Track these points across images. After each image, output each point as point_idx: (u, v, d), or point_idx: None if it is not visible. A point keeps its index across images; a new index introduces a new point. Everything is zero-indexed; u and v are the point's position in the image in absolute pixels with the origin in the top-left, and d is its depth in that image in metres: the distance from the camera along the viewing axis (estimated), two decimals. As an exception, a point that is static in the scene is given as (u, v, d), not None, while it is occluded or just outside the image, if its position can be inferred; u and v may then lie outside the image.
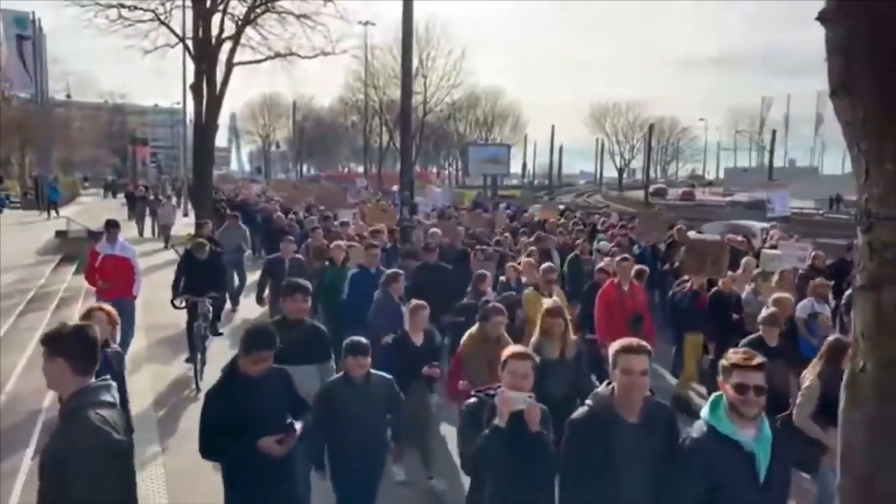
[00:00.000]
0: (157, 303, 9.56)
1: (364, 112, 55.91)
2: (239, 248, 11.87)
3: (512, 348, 3.52)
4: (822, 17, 2.71)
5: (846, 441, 2.67)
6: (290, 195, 22.93)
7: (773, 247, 11.09)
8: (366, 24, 40.52)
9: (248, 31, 19.80)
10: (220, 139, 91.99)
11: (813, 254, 9.61)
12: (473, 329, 5.23)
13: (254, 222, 15.77)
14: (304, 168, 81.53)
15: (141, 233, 21.77)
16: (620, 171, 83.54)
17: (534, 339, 4.98)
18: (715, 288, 7.72)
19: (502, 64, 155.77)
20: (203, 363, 7.73)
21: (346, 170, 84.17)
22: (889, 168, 2.50)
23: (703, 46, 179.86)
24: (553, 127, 65.25)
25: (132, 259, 8.36)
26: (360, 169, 66.43)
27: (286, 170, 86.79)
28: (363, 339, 4.28)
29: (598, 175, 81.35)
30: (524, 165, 73.48)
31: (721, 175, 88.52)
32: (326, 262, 8.38)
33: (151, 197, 24.70)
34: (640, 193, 54.95)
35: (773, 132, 51.89)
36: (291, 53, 20.59)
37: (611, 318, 6.94)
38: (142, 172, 52.10)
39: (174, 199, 28.22)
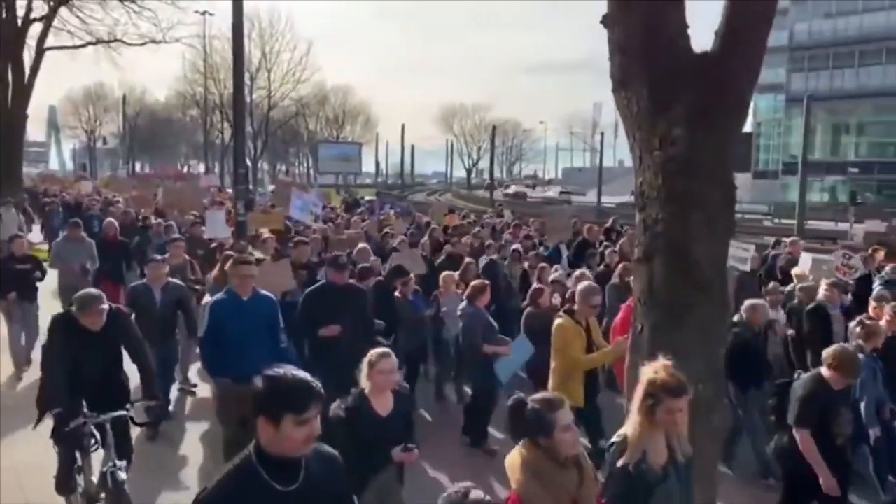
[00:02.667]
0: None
1: (203, 106, 52.89)
2: (83, 269, 9.02)
3: None
4: (605, 21, 3.09)
5: (630, 395, 3.09)
6: (136, 196, 19.77)
7: None
8: (203, 13, 38.50)
9: (64, 13, 18.00)
10: (37, 133, 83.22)
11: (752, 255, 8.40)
12: (524, 449, 2.64)
13: (92, 231, 11.91)
14: (138, 165, 75.57)
15: None
16: (469, 171, 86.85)
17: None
18: None
19: (351, 62, 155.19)
20: None
21: (187, 167, 79.32)
22: (658, 154, 2.91)
23: (546, 51, 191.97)
24: (403, 126, 65.81)
25: None
26: (202, 166, 62.77)
27: (115, 167, 79.70)
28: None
29: (449, 174, 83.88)
30: (377, 164, 73.72)
31: (559, 174, 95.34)
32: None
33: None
34: (487, 192, 58.60)
35: (602, 134, 56.62)
36: (115, 40, 19.04)
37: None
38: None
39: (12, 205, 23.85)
